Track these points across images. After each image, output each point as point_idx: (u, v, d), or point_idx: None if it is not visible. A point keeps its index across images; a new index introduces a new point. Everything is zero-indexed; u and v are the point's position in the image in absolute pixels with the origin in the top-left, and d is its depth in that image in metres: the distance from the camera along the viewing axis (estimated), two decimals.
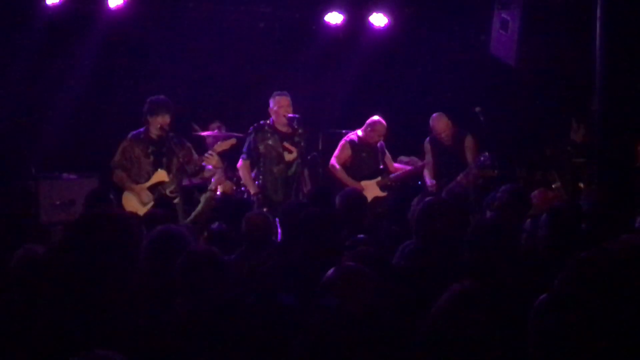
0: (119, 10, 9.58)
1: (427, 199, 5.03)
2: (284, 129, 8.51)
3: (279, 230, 6.28)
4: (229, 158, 9.37)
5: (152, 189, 7.86)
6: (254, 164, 8.48)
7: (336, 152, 9.10)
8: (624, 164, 6.51)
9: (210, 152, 7.96)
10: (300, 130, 8.52)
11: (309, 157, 8.83)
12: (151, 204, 7.77)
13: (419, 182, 9.53)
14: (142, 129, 7.96)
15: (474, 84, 9.59)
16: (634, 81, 6.64)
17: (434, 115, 9.05)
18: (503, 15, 8.77)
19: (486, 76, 9.81)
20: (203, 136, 9.36)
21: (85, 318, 3.29)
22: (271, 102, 8.51)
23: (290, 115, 8.42)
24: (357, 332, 3.02)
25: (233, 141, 8.31)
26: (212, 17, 10.26)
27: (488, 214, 6.28)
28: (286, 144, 8.48)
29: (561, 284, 3.00)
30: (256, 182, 8.47)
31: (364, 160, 9.04)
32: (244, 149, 8.56)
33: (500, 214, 5.83)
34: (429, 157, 9.16)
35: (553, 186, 9.18)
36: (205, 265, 3.88)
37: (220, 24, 10.34)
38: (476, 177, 8.75)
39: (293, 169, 8.51)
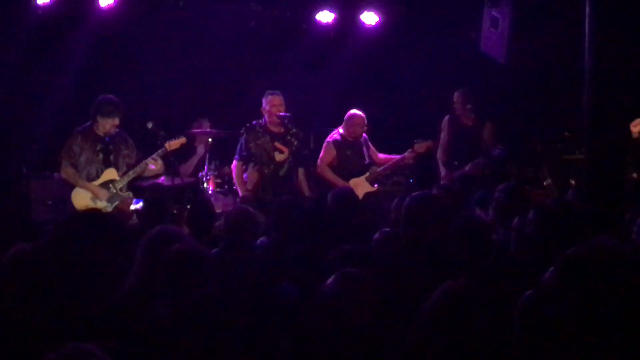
0: (109, 10, 9.56)
1: (414, 193, 5.02)
2: (275, 128, 8.52)
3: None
4: (220, 157, 9.39)
5: (102, 186, 7.93)
6: (246, 164, 8.49)
7: (321, 154, 9.07)
8: (612, 160, 6.52)
9: (154, 156, 8.02)
10: (293, 130, 8.53)
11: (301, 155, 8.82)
12: (105, 201, 7.90)
13: (411, 180, 9.53)
14: (87, 125, 7.99)
15: (465, 82, 9.59)
16: (623, 79, 6.65)
17: (459, 89, 9.15)
18: (493, 13, 8.77)
19: (476, 74, 9.83)
20: (193, 134, 9.36)
21: (71, 315, 3.30)
22: (264, 102, 8.52)
23: (281, 114, 8.43)
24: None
25: (183, 140, 8.30)
26: (202, 16, 10.25)
27: (477, 211, 6.29)
28: (278, 144, 8.48)
29: (547, 280, 3.02)
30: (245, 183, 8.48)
31: (349, 158, 9.02)
32: (237, 150, 8.58)
33: (498, 214, 5.83)
34: (444, 136, 9.18)
35: (544, 183, 9.18)
36: (188, 263, 3.90)
37: (211, 23, 10.33)
38: (484, 169, 8.80)
39: (285, 169, 8.52)
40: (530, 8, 8.62)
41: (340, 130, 9.05)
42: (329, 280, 3.44)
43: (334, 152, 9.00)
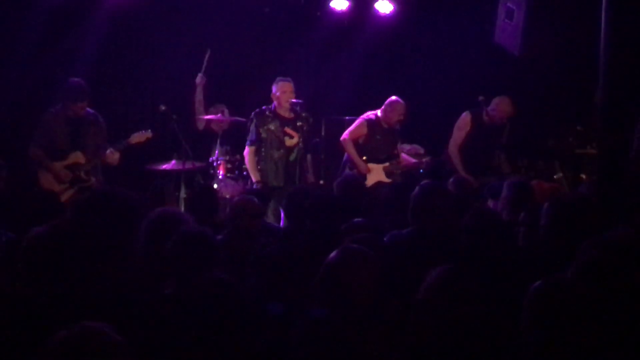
0: None
1: (423, 183, 5.02)
2: (285, 114, 8.52)
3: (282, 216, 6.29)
4: (228, 142, 9.39)
5: (68, 168, 7.98)
6: (258, 150, 8.49)
7: (352, 127, 9.01)
8: (625, 156, 6.51)
9: (112, 148, 8.10)
10: (303, 114, 8.53)
11: (311, 143, 8.82)
12: (67, 183, 7.94)
13: (421, 171, 9.52)
14: (59, 107, 8.09)
15: (478, 73, 9.58)
16: (638, 74, 6.63)
17: (504, 98, 8.84)
18: (508, 4, 8.74)
19: (490, 65, 9.80)
20: (207, 120, 9.36)
21: (82, 294, 3.32)
22: (274, 88, 8.52)
23: (293, 100, 8.43)
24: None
25: (149, 134, 8.31)
26: (217, 2, 10.23)
27: (490, 202, 6.29)
28: (287, 129, 8.48)
29: (559, 271, 3.03)
30: (257, 167, 8.49)
31: (377, 142, 8.96)
32: (248, 136, 8.57)
33: (506, 208, 5.84)
34: (461, 134, 8.91)
35: (555, 177, 9.18)
36: (196, 246, 3.92)
37: (225, 9, 10.32)
38: None
39: (294, 154, 8.51)
40: (546, 0, 8.59)
41: (378, 112, 9.00)
42: (332, 254, 3.55)
43: (365, 130, 8.94)
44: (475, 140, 8.88)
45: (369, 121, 8.96)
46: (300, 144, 8.52)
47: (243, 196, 6.16)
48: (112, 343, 2.57)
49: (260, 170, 8.45)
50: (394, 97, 8.98)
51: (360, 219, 5.24)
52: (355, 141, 8.94)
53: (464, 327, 3.06)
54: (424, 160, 9.19)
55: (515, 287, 3.60)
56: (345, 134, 8.98)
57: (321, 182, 8.64)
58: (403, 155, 9.29)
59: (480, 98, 8.94)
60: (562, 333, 2.81)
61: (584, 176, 9.19)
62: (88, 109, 8.11)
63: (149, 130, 8.29)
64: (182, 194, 8.54)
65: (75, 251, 3.48)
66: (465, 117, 8.96)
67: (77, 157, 8.04)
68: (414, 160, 9.28)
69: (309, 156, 8.71)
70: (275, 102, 8.52)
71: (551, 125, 10.13)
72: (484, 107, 8.90)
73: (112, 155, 8.09)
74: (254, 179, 8.41)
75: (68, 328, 2.59)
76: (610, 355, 2.83)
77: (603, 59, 6.51)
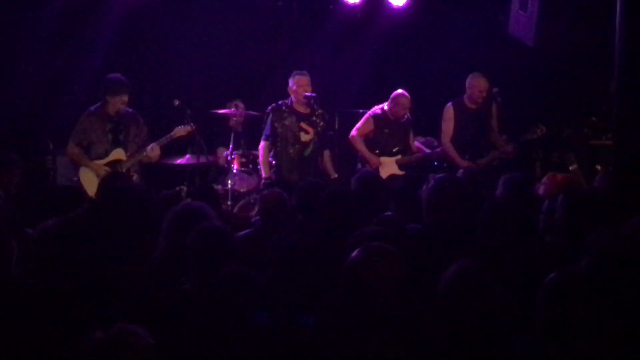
0: None
1: (439, 176, 5.00)
2: (301, 108, 8.51)
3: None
4: (244, 137, 9.40)
5: (109, 165, 7.99)
6: (273, 145, 8.49)
7: (359, 124, 9.04)
8: None
9: (154, 144, 8.09)
10: (319, 110, 8.51)
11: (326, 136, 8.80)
12: None
13: (435, 163, 9.49)
14: (99, 105, 8.10)
15: (492, 65, 9.53)
16: None
17: (474, 73, 8.77)
18: None
19: (504, 57, 9.76)
20: (225, 115, 9.36)
21: (102, 290, 3.33)
22: (290, 82, 8.51)
23: (307, 94, 8.41)
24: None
25: (190, 128, 8.24)
26: None
27: None
28: (303, 124, 8.48)
29: (575, 263, 3.02)
30: (272, 162, 8.48)
31: (385, 137, 8.96)
32: (264, 131, 8.57)
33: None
34: (449, 125, 8.84)
35: (570, 168, 9.12)
36: (215, 242, 3.92)
37: (238, 2, 10.33)
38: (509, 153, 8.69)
39: (309, 149, 8.50)
40: None
41: (385, 106, 9.00)
42: (354, 253, 3.48)
43: (371, 126, 8.96)
44: (464, 128, 8.82)
45: (375, 116, 8.97)
46: (315, 140, 8.51)
47: (273, 191, 6.14)
48: (146, 347, 2.60)
49: (275, 166, 8.45)
50: (399, 91, 8.97)
51: (389, 213, 5.21)
52: (365, 137, 8.95)
53: (484, 320, 3.03)
54: (438, 150, 9.14)
55: (533, 279, 3.60)
56: (353, 131, 9.00)
57: (335, 175, 8.62)
58: (417, 144, 9.27)
59: (495, 89, 8.90)
60: (575, 325, 2.80)
61: (599, 167, 9.15)
62: (128, 108, 8.12)
63: (191, 124, 8.26)
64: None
65: (90, 245, 3.49)
66: (448, 109, 8.91)
67: (119, 154, 8.10)
68: (428, 151, 9.25)
69: (326, 152, 8.69)
70: (291, 96, 8.51)
71: (566, 116, 10.08)
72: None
73: (153, 151, 8.11)
74: (263, 175, 8.41)
75: (103, 330, 2.61)
76: (624, 347, 2.82)
77: (618, 48, 6.46)
